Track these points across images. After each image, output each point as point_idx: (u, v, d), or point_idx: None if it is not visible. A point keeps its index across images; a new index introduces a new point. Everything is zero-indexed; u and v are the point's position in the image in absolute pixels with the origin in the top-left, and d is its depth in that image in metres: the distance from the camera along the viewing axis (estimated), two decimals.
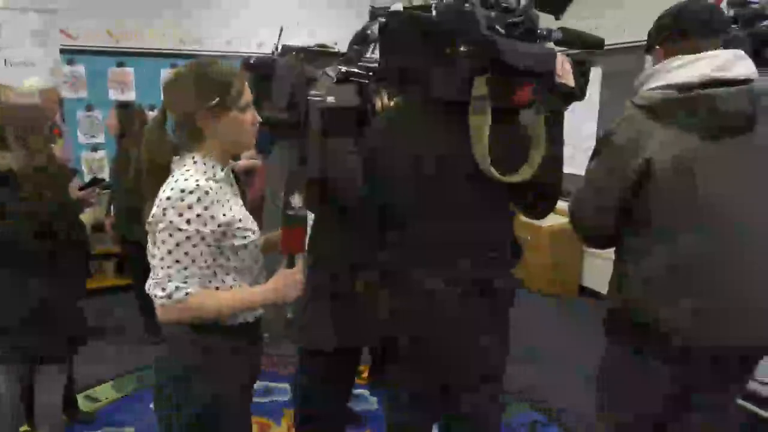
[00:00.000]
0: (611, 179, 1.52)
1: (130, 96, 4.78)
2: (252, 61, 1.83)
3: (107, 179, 3.87)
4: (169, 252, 1.30)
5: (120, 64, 4.83)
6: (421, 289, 1.54)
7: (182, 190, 1.29)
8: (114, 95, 4.78)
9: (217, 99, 1.34)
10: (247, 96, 1.41)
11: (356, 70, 1.77)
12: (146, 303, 3.75)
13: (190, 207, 1.29)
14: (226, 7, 5.10)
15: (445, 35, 1.41)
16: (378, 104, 1.80)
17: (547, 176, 1.52)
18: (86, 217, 2.44)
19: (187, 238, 1.30)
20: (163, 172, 1.38)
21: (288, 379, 3.00)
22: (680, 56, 1.47)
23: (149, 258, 1.36)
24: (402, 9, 1.65)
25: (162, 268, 1.31)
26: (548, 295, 4.67)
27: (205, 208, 1.31)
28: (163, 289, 1.30)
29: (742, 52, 1.46)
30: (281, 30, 2.15)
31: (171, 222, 1.29)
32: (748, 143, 1.43)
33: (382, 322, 1.68)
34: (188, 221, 1.29)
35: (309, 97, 1.69)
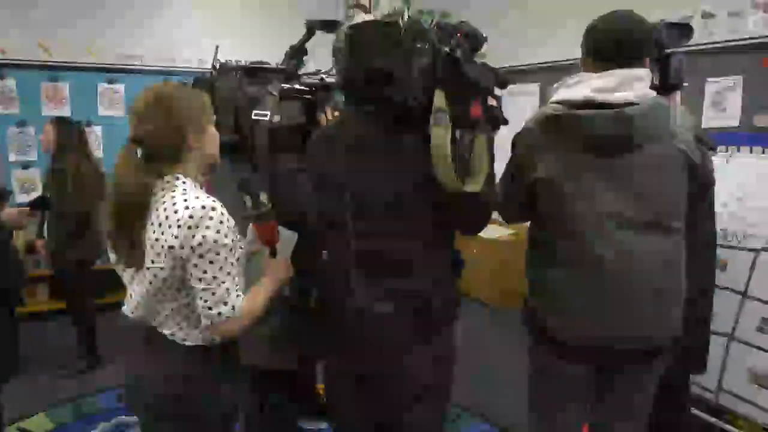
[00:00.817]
0: (511, 186, 1.65)
1: (65, 111, 4.58)
2: (192, 84, 1.81)
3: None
4: (221, 268, 1.34)
5: (53, 79, 4.63)
6: (360, 307, 1.55)
7: (203, 207, 1.32)
8: (47, 111, 4.56)
9: (206, 112, 1.44)
10: None
11: (300, 87, 1.76)
12: (85, 327, 3.61)
13: (221, 222, 1.33)
14: (160, 26, 4.94)
15: (412, 43, 1.47)
16: (323, 118, 1.81)
17: (487, 193, 1.56)
18: (17, 237, 2.33)
19: (230, 250, 1.35)
20: (141, 202, 1.35)
21: None
22: (579, 74, 1.54)
23: (194, 282, 1.34)
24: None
25: (219, 285, 1.34)
26: (496, 306, 4.73)
27: (228, 221, 1.35)
28: (225, 304, 1.35)
29: (637, 74, 1.48)
30: (217, 48, 2.13)
31: (215, 241, 1.32)
32: (627, 162, 1.48)
33: (326, 338, 1.69)
34: (226, 235, 1.34)
35: (254, 117, 1.68)
